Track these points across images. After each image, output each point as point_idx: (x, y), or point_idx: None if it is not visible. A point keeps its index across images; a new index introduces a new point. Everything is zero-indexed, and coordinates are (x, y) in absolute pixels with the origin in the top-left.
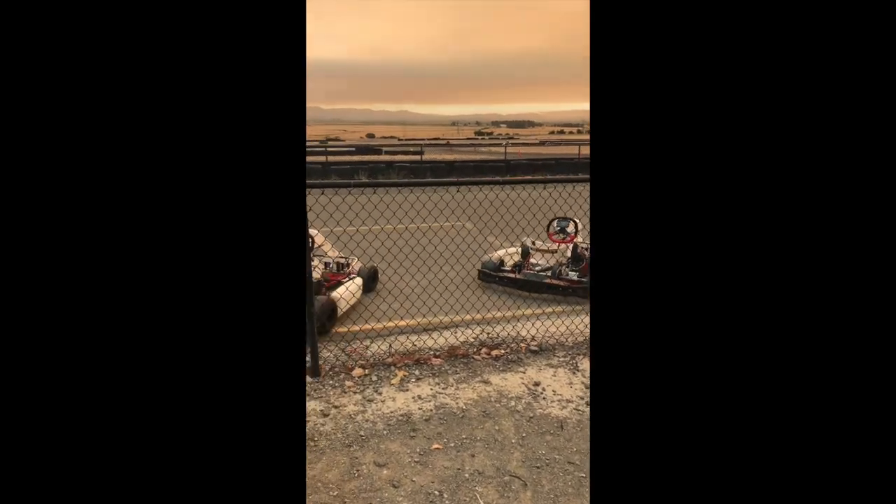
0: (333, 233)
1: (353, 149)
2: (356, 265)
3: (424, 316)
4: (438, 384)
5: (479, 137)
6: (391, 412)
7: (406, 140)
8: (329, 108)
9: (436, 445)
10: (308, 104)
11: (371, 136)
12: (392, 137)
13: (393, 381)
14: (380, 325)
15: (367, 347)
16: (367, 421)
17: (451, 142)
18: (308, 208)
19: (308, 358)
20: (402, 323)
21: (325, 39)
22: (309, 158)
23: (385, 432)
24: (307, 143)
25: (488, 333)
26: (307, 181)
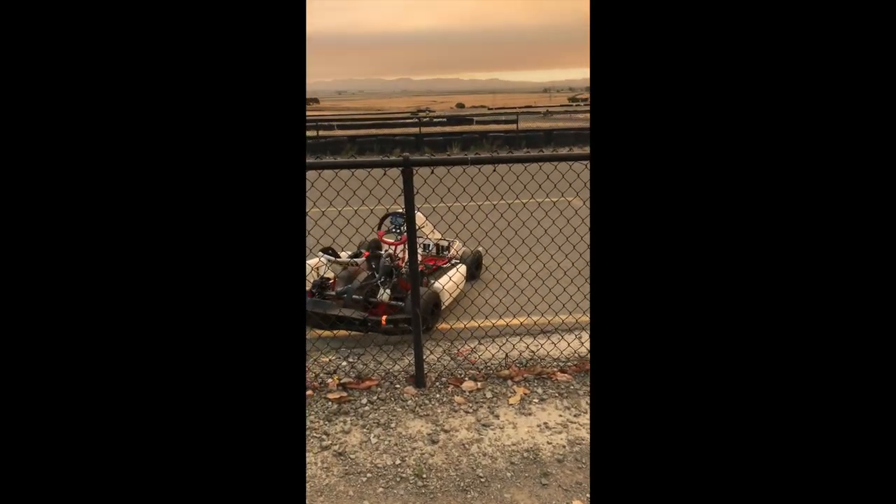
0: (435, 212)
1: (445, 119)
2: (458, 248)
3: (541, 313)
4: (568, 409)
5: (574, 104)
6: (513, 444)
7: (496, 109)
8: (418, 80)
9: (577, 502)
10: (397, 76)
11: (461, 105)
12: (482, 107)
13: (511, 401)
14: (488, 324)
15: (476, 352)
16: (484, 455)
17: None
18: (416, 190)
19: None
20: (515, 321)
21: (418, 10)
22: (401, 131)
23: (509, 474)
24: (398, 114)
25: None
26: (411, 158)
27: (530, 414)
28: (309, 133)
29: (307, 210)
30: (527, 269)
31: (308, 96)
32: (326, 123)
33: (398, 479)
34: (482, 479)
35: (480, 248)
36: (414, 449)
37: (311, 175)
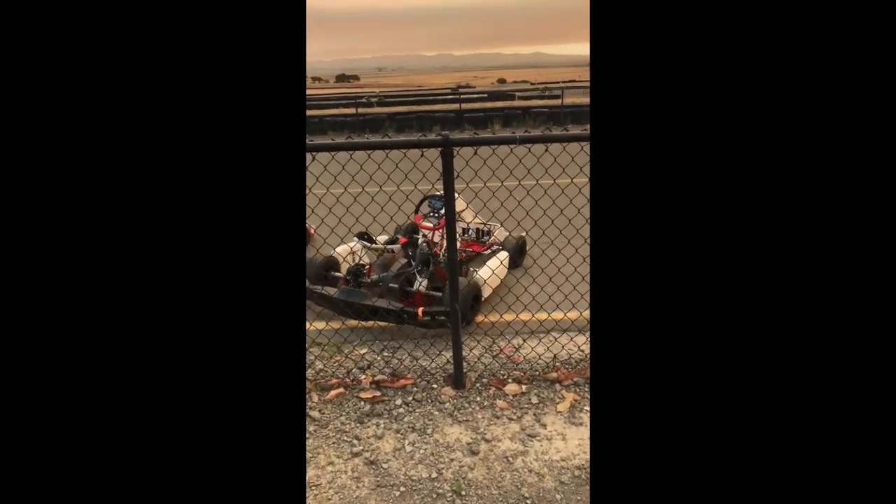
0: (478, 197)
1: (486, 95)
2: (500, 233)
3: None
4: None
5: None
6: (563, 460)
7: (538, 83)
8: (459, 55)
9: None
10: (438, 52)
11: (502, 80)
12: (524, 81)
13: (560, 407)
14: (534, 319)
15: (520, 351)
16: (529, 471)
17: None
18: (456, 174)
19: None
20: (563, 316)
21: None
22: (442, 107)
23: (558, 496)
24: (426, 92)
25: None
26: (449, 137)
27: (581, 424)
28: (347, 111)
29: (339, 194)
30: (581, 263)
31: (348, 73)
32: (366, 101)
33: (434, 496)
34: (528, 501)
35: (524, 234)
36: (452, 460)
37: (341, 157)
